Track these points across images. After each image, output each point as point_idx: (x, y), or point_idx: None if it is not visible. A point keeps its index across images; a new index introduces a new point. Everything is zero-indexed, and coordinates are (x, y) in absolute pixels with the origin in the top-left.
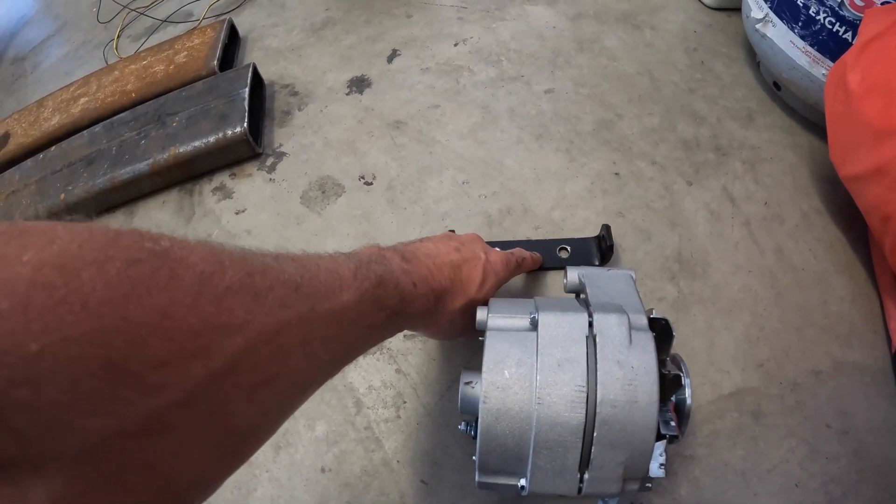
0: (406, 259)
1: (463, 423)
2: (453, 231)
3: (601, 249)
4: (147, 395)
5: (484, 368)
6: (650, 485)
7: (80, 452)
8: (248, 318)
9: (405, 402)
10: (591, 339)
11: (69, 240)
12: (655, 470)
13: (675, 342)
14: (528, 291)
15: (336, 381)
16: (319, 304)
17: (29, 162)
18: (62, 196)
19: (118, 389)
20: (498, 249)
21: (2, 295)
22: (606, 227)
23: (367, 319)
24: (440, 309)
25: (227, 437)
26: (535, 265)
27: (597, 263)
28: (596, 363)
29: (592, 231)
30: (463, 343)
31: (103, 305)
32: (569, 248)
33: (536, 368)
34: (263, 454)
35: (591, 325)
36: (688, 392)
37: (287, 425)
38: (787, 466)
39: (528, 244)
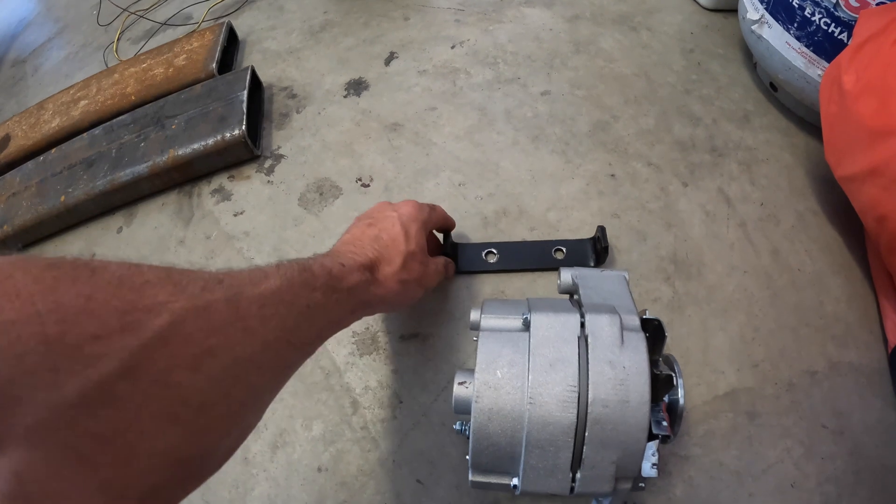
0: (327, 254)
1: (458, 422)
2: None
3: (596, 251)
4: (86, 366)
5: (476, 368)
6: (643, 484)
7: (32, 426)
8: (172, 300)
9: (401, 403)
10: (583, 339)
11: None
12: (648, 470)
13: (670, 342)
14: (522, 292)
15: (333, 381)
16: (246, 290)
17: (29, 164)
18: (62, 198)
19: (58, 361)
20: (406, 200)
21: None
22: (602, 229)
23: (303, 300)
24: (381, 276)
25: (181, 409)
26: (446, 223)
27: (592, 265)
28: (587, 363)
29: (588, 232)
30: (459, 344)
31: (34, 294)
32: (564, 250)
33: (528, 368)
34: (261, 454)
35: (583, 325)
36: (680, 392)
37: (284, 425)
38: (782, 467)
39: (523, 246)
